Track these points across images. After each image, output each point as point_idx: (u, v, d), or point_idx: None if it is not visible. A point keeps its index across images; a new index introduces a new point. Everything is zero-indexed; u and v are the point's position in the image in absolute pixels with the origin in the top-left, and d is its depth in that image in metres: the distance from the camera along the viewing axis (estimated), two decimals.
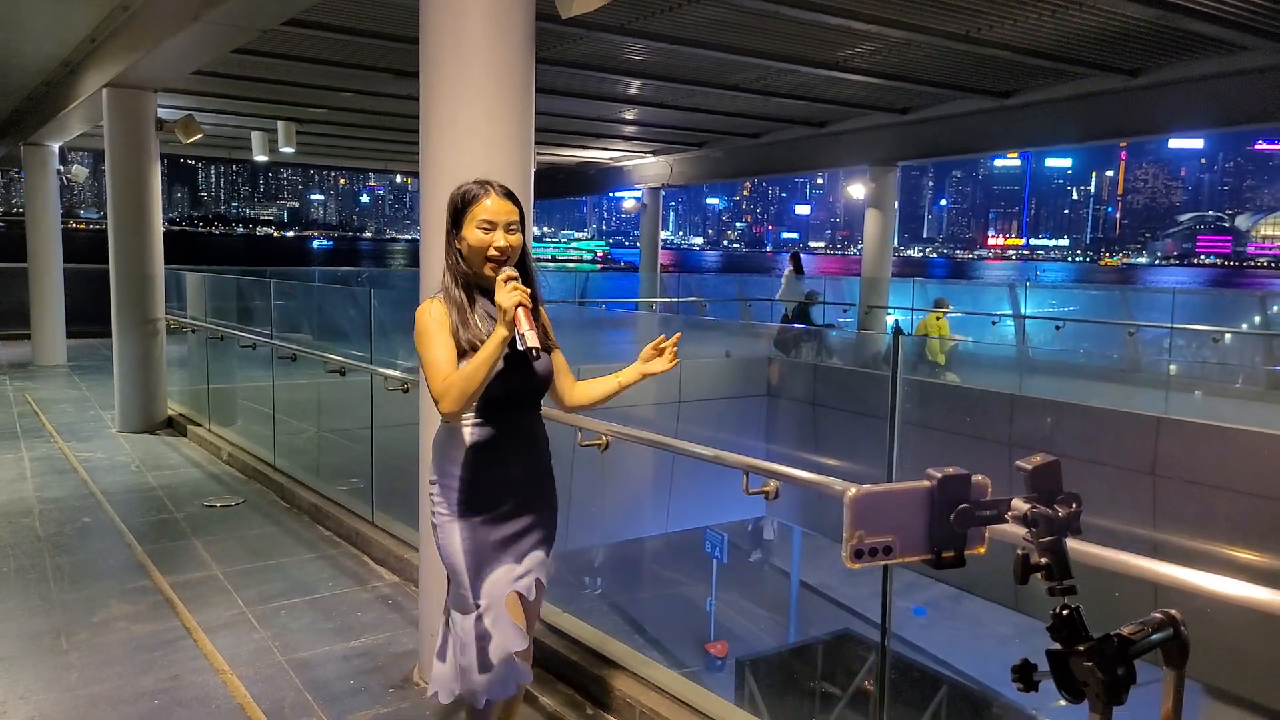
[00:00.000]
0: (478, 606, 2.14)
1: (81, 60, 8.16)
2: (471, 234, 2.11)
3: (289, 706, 3.04)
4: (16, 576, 4.23)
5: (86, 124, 9.78)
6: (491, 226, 2.10)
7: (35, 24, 7.37)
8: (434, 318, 2.10)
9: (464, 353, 2.09)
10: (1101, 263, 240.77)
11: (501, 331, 1.96)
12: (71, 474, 6.18)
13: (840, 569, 9.20)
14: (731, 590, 9.20)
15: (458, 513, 2.15)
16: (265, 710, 2.99)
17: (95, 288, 10.12)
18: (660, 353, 2.21)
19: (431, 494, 2.20)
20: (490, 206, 2.11)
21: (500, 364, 2.02)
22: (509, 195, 2.15)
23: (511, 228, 2.12)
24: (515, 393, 2.16)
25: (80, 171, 12.11)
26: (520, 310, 1.96)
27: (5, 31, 7.60)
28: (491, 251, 2.10)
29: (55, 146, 11.83)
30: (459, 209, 2.15)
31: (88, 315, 11.85)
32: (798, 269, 13.38)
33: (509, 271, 2.04)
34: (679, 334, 2.21)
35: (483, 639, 2.13)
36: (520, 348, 1.96)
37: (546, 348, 2.19)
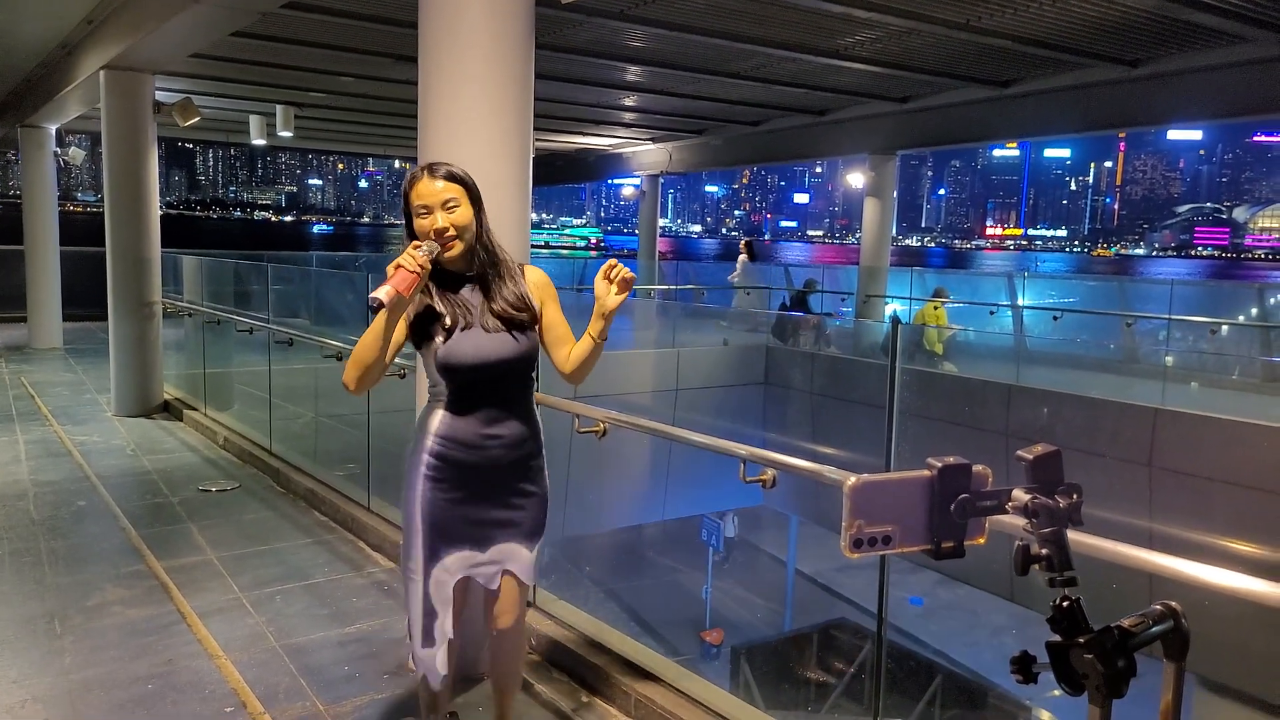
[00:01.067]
0: (426, 584, 2.14)
1: (79, 42, 8.09)
2: (416, 223, 2.10)
3: (283, 692, 3.04)
4: (10, 560, 4.22)
5: (84, 106, 9.71)
6: (427, 210, 2.07)
7: (33, 5, 7.30)
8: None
9: (422, 339, 2.11)
10: (1094, 253, 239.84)
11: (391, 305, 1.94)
12: (66, 457, 6.17)
13: (837, 558, 9.23)
14: (728, 578, 9.23)
15: (421, 485, 2.13)
16: (259, 695, 2.99)
17: (92, 271, 10.08)
18: (611, 283, 2.08)
19: (406, 464, 2.19)
20: (420, 190, 2.08)
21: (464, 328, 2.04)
22: (449, 176, 2.09)
23: (450, 205, 2.07)
24: (483, 371, 2.10)
25: (77, 154, 12.05)
26: (393, 267, 1.93)
27: (3, 13, 7.53)
28: (432, 235, 2.06)
29: (52, 129, 11.75)
30: (406, 198, 2.13)
31: (84, 298, 11.80)
32: (752, 256, 13.45)
33: (417, 241, 2.02)
34: (615, 262, 2.06)
35: (428, 616, 2.15)
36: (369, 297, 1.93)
37: (519, 322, 2.13)
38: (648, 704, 2.85)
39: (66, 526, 4.75)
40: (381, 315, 1.95)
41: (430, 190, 2.07)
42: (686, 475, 8.25)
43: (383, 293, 1.90)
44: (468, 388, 2.11)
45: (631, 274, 2.07)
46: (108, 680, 3.09)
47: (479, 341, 2.08)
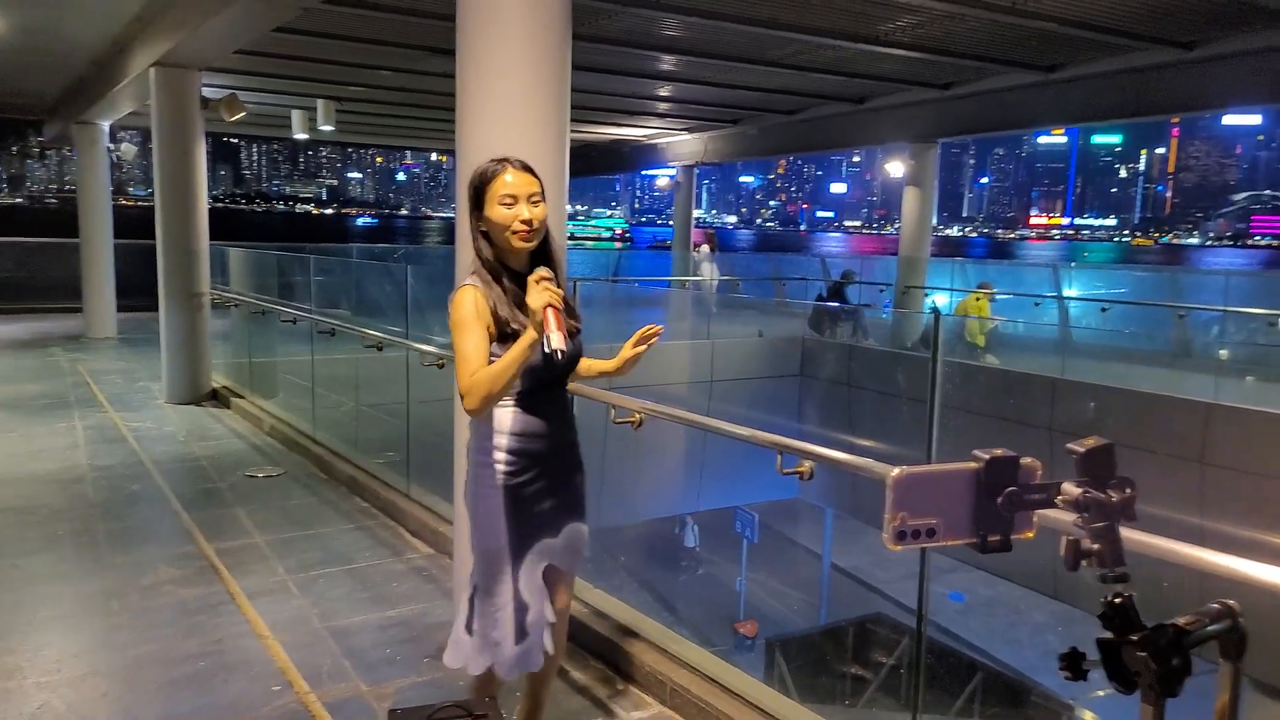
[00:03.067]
0: (516, 579, 2.16)
1: (130, 40, 8.29)
2: (494, 211, 2.09)
3: (328, 673, 3.10)
4: (71, 540, 4.37)
5: (135, 102, 9.95)
6: (514, 200, 2.08)
7: (87, 4, 7.50)
8: (468, 308, 2.06)
9: (505, 336, 2.07)
10: (1134, 242, 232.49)
11: (531, 334, 1.93)
12: (121, 443, 6.36)
13: (873, 552, 9.15)
14: (763, 570, 9.19)
15: (501, 487, 2.16)
16: (305, 675, 3.07)
17: (144, 263, 10.33)
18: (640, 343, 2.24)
19: (473, 469, 2.22)
20: (510, 181, 2.09)
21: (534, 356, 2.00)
22: (528, 169, 2.13)
23: (534, 199, 2.10)
24: (559, 373, 2.19)
25: (129, 149, 12.59)
26: (549, 311, 1.90)
27: (59, 11, 7.74)
28: (518, 225, 2.07)
29: (105, 125, 12.06)
30: (479, 189, 2.12)
31: (136, 289, 12.10)
32: (714, 247, 13.30)
33: (542, 272, 1.97)
34: (659, 328, 2.23)
35: (520, 611, 2.16)
36: (545, 350, 1.90)
37: (574, 337, 2.20)
38: (683, 693, 2.86)
39: (122, 509, 4.90)
40: (524, 351, 1.96)
41: (520, 181, 2.09)
42: (720, 467, 8.23)
43: (558, 340, 1.89)
44: (543, 384, 2.17)
45: (658, 335, 2.24)
46: (162, 657, 3.19)
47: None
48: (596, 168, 18.31)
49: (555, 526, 2.23)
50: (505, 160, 2.13)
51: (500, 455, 2.16)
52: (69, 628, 3.44)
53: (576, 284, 3.00)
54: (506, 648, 2.18)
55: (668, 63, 9.09)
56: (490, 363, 2.02)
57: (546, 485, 2.20)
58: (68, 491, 5.17)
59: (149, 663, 3.14)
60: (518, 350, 1.96)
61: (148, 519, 4.79)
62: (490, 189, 2.10)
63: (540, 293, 1.91)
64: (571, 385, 2.43)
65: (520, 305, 2.06)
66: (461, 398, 2.00)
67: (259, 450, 6.32)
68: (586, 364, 2.37)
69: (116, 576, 3.92)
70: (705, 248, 13.56)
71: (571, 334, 2.14)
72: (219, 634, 3.39)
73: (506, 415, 2.16)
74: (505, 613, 2.17)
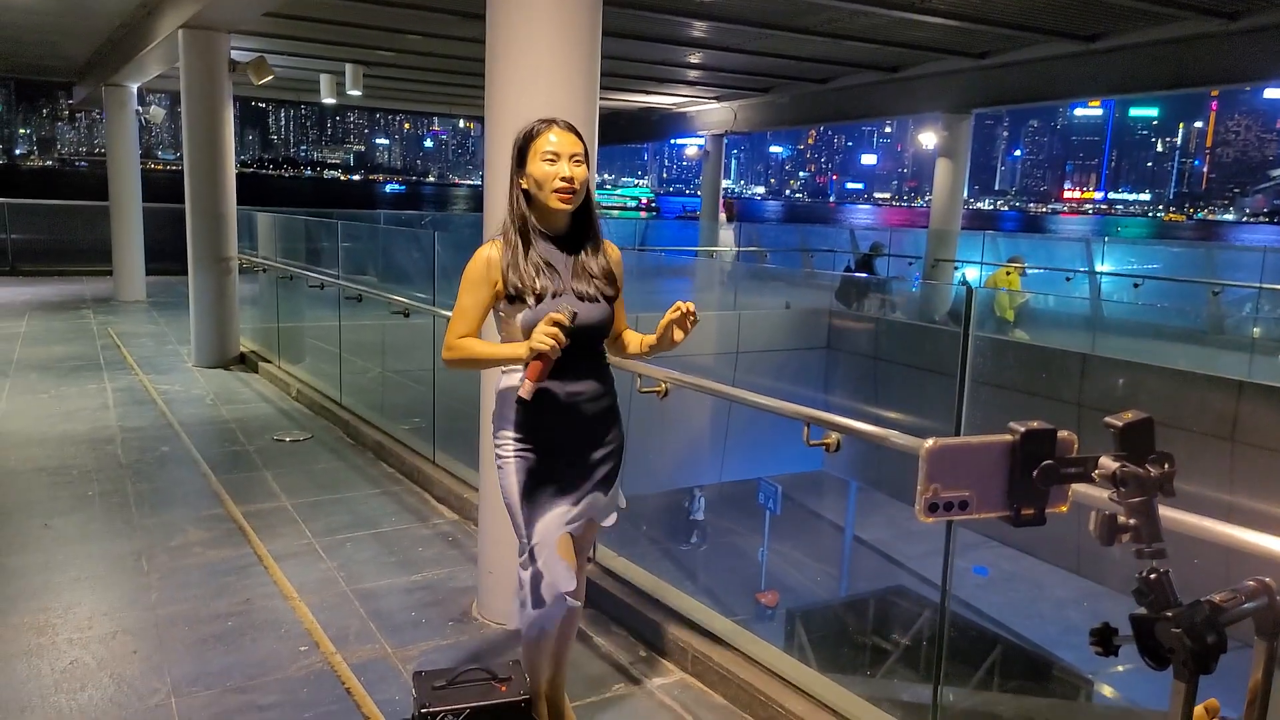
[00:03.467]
0: (531, 546, 2.18)
1: (159, 2, 8.29)
2: (536, 168, 2.10)
3: (353, 634, 3.16)
4: (101, 500, 4.47)
5: (164, 65, 9.98)
6: (556, 157, 2.09)
7: None
8: (479, 267, 2.14)
9: (512, 297, 2.11)
10: (1166, 218, 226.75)
11: (521, 352, 2.01)
12: (151, 405, 6.47)
13: (896, 525, 9.13)
14: (784, 541, 9.22)
15: (515, 457, 2.19)
16: (331, 637, 3.12)
17: (173, 227, 10.44)
18: (677, 321, 2.11)
19: (495, 438, 2.24)
20: (554, 140, 2.10)
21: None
22: (572, 129, 2.13)
23: (577, 159, 2.10)
24: (574, 333, 2.13)
25: (158, 113, 12.41)
26: (535, 364, 1.98)
27: None
28: (558, 183, 2.08)
29: (134, 88, 12.13)
30: (523, 146, 2.14)
31: (166, 253, 12.25)
32: (731, 215, 13.24)
33: (560, 315, 1.97)
34: (692, 305, 2.10)
35: (535, 578, 2.19)
36: (519, 394, 2.01)
37: (603, 292, 2.18)
38: (704, 660, 2.89)
39: (151, 470, 4.99)
40: (507, 360, 2.09)
41: (567, 140, 2.10)
42: (744, 438, 8.23)
43: (527, 389, 1.99)
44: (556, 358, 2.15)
45: (691, 314, 2.09)
46: (191, 616, 3.26)
47: (574, 306, 2.12)
48: (625, 136, 18.17)
49: (574, 496, 2.22)
50: (551, 120, 2.13)
51: (516, 424, 2.18)
52: (100, 587, 3.52)
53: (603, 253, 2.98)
54: (528, 611, 2.23)
55: (698, 29, 8.96)
56: (495, 323, 2.19)
57: (559, 454, 2.20)
58: (98, 452, 5.27)
59: (178, 622, 3.21)
60: (505, 353, 2.08)
61: (177, 481, 4.88)
62: (534, 145, 2.11)
63: (542, 336, 1.96)
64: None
65: (541, 270, 2.11)
66: (444, 348, 2.14)
67: (286, 414, 6.40)
68: (631, 342, 2.31)
69: (146, 537, 4.01)
70: (722, 215, 13.51)
71: (605, 294, 2.17)
72: (247, 595, 3.46)
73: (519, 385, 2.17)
74: (526, 573, 2.20)
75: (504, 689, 2.39)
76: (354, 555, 3.89)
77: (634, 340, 2.31)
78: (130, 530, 4.09)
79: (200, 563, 3.74)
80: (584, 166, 2.12)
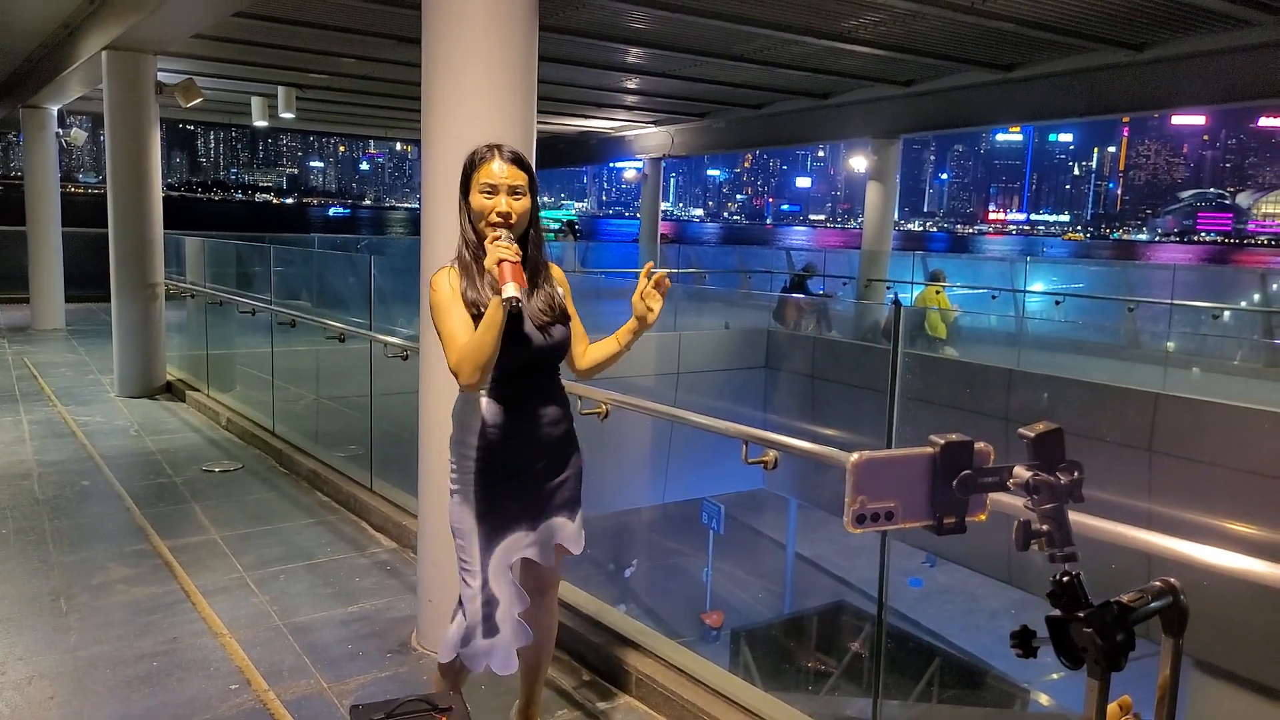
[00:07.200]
0: (485, 573, 2.15)
1: (81, 22, 8.04)
2: (475, 199, 2.12)
3: (287, 670, 3.07)
4: (15, 539, 4.25)
5: (86, 87, 9.67)
6: (494, 190, 2.09)
7: None
8: (446, 290, 2.11)
9: (475, 318, 2.09)
10: (1066, 236, 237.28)
11: (498, 314, 1.96)
12: (70, 437, 6.19)
13: (836, 541, 9.27)
14: (729, 560, 9.27)
15: (474, 482, 2.15)
16: (264, 673, 3.02)
17: (94, 252, 10.07)
18: (646, 294, 2.10)
19: (450, 462, 2.20)
20: (496, 170, 2.10)
21: (520, 320, 2.03)
22: (516, 160, 2.13)
23: (516, 192, 2.11)
24: (530, 361, 2.15)
25: (79, 135, 12.03)
26: (504, 265, 1.95)
27: None
28: (493, 217, 2.09)
29: (54, 109, 11.71)
30: (468, 172, 2.15)
31: (86, 280, 11.80)
32: (575, 237, 13.51)
33: (495, 233, 2.03)
34: (662, 272, 2.12)
35: (489, 605, 2.15)
36: (502, 299, 1.94)
37: (557, 314, 2.17)
38: (649, 682, 2.88)
39: (71, 506, 4.77)
40: (495, 310, 1.96)
41: (506, 173, 2.10)
42: (687, 458, 8.26)
43: (515, 289, 1.93)
44: (516, 375, 2.14)
45: (668, 282, 2.11)
46: (114, 658, 3.12)
47: (529, 331, 2.12)
48: (564, 159, 18.24)
49: (531, 521, 2.20)
50: (498, 147, 2.14)
51: (476, 445, 2.15)
52: (13, 630, 3.34)
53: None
54: (477, 640, 2.17)
55: (635, 55, 9.08)
56: None
57: (518, 478, 2.17)
58: (12, 488, 5.02)
59: (100, 664, 3.07)
60: (490, 312, 1.98)
61: (98, 516, 4.67)
62: (476, 175, 2.12)
63: (494, 250, 1.98)
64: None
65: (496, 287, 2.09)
66: (455, 376, 2.03)
67: (215, 444, 6.21)
68: (592, 353, 2.26)
69: (65, 576, 3.83)
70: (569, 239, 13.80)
71: (557, 318, 2.16)
72: (174, 633, 3.33)
73: (482, 407, 2.14)
74: (474, 604, 2.16)
75: (444, 719, 2.34)
76: (287, 588, 3.77)
77: (604, 342, 2.25)
78: (47, 569, 3.90)
79: (123, 601, 3.59)
80: (525, 199, 2.12)
